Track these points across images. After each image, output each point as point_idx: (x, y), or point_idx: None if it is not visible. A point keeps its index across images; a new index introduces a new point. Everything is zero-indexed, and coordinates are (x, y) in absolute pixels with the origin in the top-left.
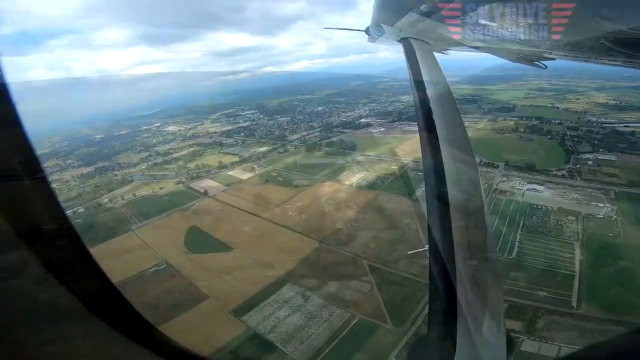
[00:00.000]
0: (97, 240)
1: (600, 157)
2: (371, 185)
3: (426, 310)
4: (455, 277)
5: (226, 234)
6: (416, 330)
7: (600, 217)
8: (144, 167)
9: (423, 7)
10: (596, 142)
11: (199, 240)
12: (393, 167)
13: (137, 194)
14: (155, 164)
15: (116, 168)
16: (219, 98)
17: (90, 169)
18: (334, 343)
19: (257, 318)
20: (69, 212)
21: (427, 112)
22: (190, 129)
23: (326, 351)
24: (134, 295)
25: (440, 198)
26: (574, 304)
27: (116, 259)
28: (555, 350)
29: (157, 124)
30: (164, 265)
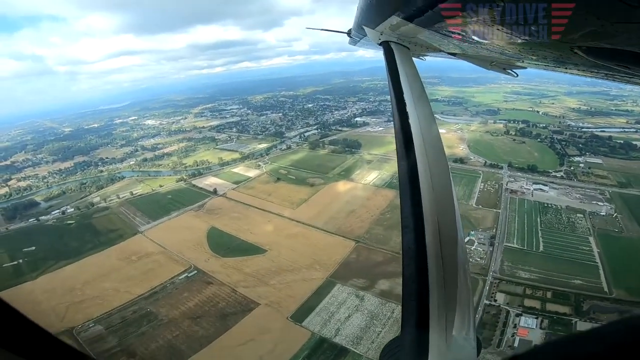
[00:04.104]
0: (104, 244)
1: (589, 160)
2: (389, 184)
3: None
4: (427, 278)
5: (253, 235)
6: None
7: (603, 215)
8: (132, 162)
9: (404, 12)
10: (581, 145)
11: (224, 242)
12: None
13: (134, 192)
14: (145, 160)
15: (99, 164)
16: (192, 92)
17: (68, 164)
18: None
19: (318, 322)
20: (55, 212)
21: (404, 115)
22: (173, 122)
23: None
24: (175, 305)
25: (413, 201)
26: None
27: (135, 265)
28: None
29: (132, 117)
30: (194, 271)
